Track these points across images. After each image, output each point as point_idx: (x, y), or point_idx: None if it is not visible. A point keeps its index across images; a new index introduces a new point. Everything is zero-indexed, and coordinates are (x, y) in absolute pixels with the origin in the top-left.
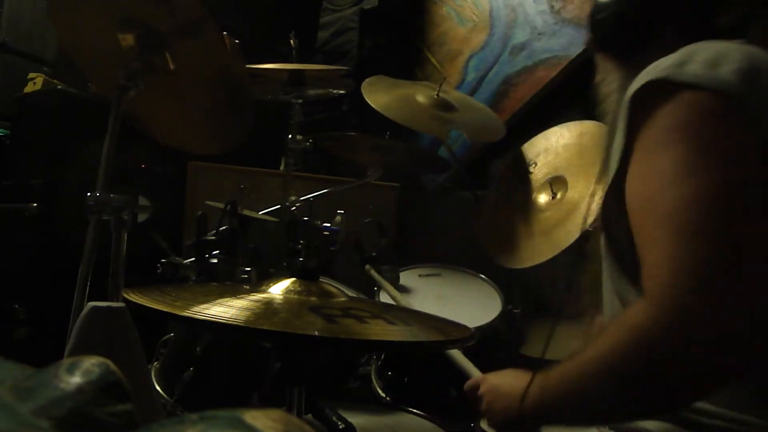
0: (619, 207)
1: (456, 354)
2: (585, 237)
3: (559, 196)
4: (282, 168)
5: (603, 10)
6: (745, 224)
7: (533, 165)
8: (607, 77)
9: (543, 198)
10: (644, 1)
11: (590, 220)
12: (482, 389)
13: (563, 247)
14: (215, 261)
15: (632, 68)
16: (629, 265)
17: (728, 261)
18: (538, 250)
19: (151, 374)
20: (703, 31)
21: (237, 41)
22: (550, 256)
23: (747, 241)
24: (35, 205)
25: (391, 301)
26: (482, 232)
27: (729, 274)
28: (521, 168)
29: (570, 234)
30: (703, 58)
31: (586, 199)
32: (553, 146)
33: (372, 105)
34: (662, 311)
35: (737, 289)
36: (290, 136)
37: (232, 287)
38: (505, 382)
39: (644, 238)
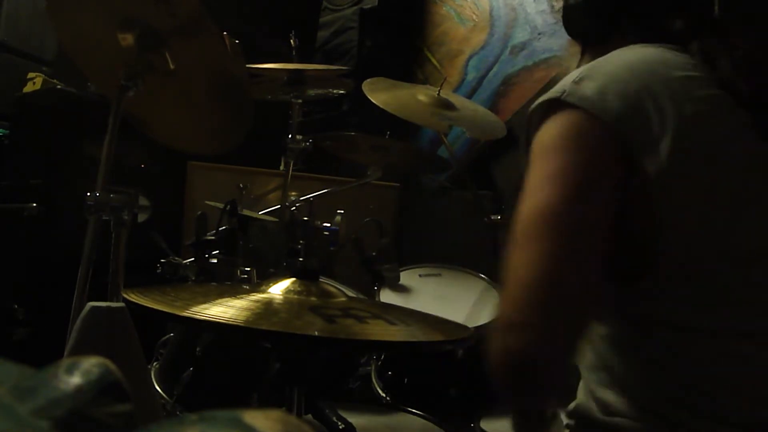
0: None
1: None
2: None
3: None
4: (282, 168)
5: None
6: (569, 242)
7: None
8: (572, 64)
9: None
10: None
11: None
12: None
13: None
14: (215, 261)
15: (592, 58)
16: None
17: (541, 275)
18: None
19: (150, 374)
20: (657, 34)
21: (237, 41)
22: None
23: (565, 258)
24: (35, 205)
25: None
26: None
27: (539, 289)
28: None
29: None
30: (595, 83)
31: None
32: None
33: (373, 101)
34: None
35: (551, 306)
36: (290, 136)
37: (231, 287)
38: None
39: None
